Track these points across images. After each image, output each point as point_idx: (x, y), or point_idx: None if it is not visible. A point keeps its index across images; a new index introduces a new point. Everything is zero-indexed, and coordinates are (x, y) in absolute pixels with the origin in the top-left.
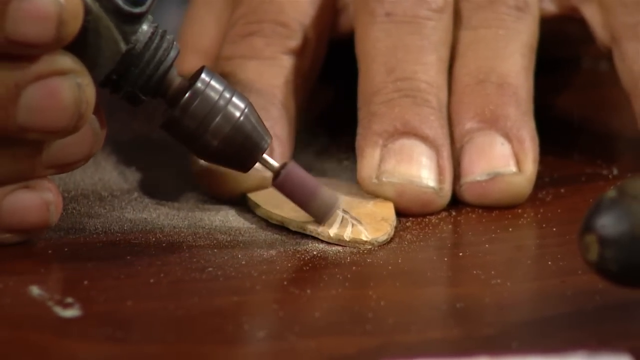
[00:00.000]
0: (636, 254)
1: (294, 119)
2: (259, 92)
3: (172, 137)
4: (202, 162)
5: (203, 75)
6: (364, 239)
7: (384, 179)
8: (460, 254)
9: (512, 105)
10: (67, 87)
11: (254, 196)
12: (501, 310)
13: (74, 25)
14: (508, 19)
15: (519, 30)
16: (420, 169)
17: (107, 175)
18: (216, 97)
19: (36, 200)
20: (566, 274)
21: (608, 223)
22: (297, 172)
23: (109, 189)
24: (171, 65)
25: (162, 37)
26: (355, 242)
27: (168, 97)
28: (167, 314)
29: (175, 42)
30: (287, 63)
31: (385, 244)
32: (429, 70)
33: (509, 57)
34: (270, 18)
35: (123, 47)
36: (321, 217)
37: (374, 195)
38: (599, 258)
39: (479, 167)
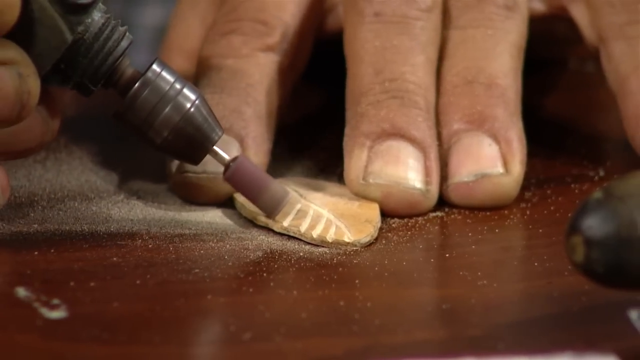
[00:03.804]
0: (622, 255)
1: (271, 116)
2: (231, 92)
3: (124, 128)
4: (177, 174)
5: (154, 66)
6: (347, 240)
7: (370, 180)
8: (447, 255)
9: (500, 107)
10: (7, 78)
11: (240, 197)
12: (487, 312)
13: (11, 15)
14: (497, 18)
15: (508, 30)
16: (407, 171)
17: (94, 176)
18: (166, 87)
19: None
20: (552, 275)
21: (594, 224)
22: (247, 165)
23: (96, 191)
24: (122, 56)
25: (114, 27)
26: (337, 244)
27: (119, 88)
28: (153, 315)
29: (127, 33)
30: (264, 60)
31: (371, 245)
32: (417, 71)
33: (497, 57)
34: (250, 16)
35: (69, 37)
36: (270, 210)
37: (360, 196)
38: (585, 259)
39: (466, 168)
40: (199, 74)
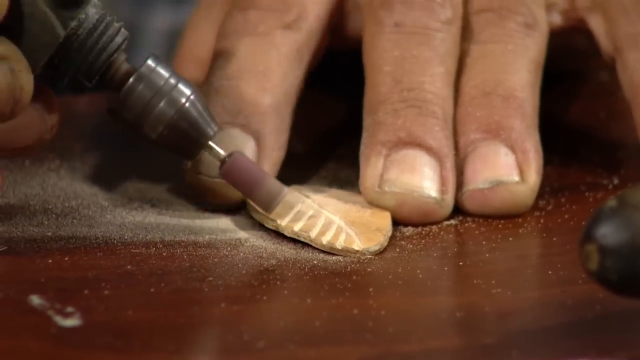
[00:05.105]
0: (636, 263)
1: (289, 103)
2: (249, 78)
3: (119, 123)
4: (191, 174)
5: (149, 61)
6: (356, 248)
7: (386, 189)
8: (461, 263)
9: (517, 118)
10: None
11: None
12: (502, 319)
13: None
14: (517, 35)
15: (527, 47)
16: (422, 180)
17: (108, 185)
18: (161, 82)
19: None
20: (567, 283)
21: (608, 232)
22: (243, 160)
23: (110, 199)
24: (116, 51)
25: (109, 23)
26: (347, 251)
27: (114, 83)
28: (167, 323)
29: (122, 29)
30: (281, 39)
31: (385, 253)
32: (436, 82)
33: (516, 72)
34: None
35: (61, 32)
36: (266, 206)
37: (375, 204)
38: (599, 267)
39: (482, 175)
40: (216, 56)
